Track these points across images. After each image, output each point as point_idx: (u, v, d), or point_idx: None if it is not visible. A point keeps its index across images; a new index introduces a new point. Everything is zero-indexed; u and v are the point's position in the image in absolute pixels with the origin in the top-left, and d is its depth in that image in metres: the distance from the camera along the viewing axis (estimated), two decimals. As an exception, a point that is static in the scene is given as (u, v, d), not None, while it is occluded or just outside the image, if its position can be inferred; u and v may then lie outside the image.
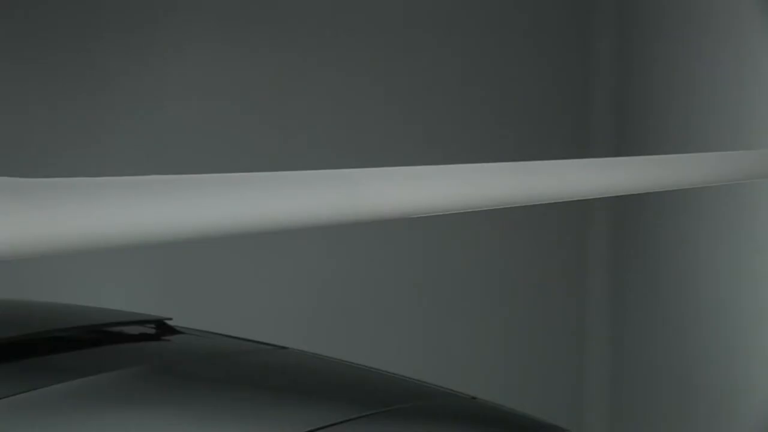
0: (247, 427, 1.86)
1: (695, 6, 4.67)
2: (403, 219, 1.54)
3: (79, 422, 1.78)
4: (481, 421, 2.17)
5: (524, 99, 5.05)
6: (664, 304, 4.76)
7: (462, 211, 1.58)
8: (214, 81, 4.54)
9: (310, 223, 1.36)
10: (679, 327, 4.69)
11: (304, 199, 1.34)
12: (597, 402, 5.04)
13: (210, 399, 2.00)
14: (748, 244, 4.41)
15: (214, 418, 1.89)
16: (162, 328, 2.41)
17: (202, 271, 4.52)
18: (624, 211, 4.99)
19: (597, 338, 5.07)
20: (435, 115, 4.88)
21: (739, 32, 4.45)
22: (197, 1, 4.52)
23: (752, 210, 4.41)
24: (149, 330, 2.40)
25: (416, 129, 4.85)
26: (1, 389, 1.81)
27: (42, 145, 4.31)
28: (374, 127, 4.78)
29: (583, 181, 1.80)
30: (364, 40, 4.74)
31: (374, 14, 4.76)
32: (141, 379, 2.01)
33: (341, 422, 1.87)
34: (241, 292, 4.58)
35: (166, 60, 4.46)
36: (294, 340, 2.85)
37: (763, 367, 4.40)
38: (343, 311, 4.72)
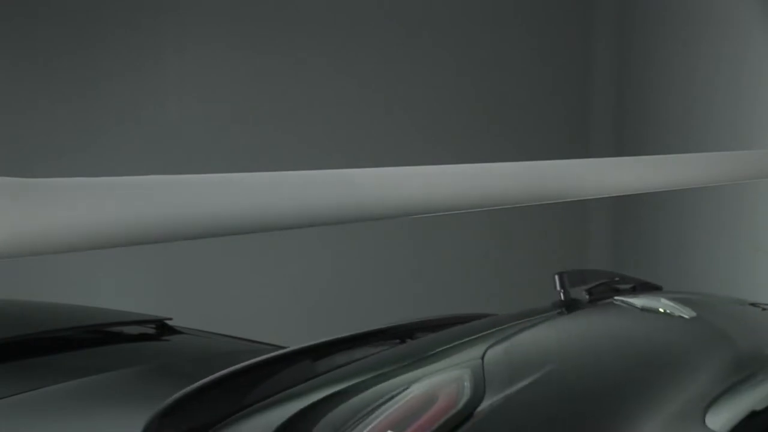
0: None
1: (695, 6, 4.67)
2: (403, 219, 1.53)
3: (80, 422, 1.77)
4: None
5: (524, 99, 5.05)
6: (664, 304, 4.76)
7: (462, 212, 1.58)
8: (214, 81, 4.54)
9: (309, 223, 1.35)
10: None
11: (304, 199, 1.34)
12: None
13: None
14: (748, 244, 4.41)
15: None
16: (162, 328, 2.41)
17: (202, 271, 4.52)
18: (624, 211, 4.98)
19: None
20: (435, 115, 4.88)
21: (739, 32, 4.45)
22: (198, 1, 4.52)
23: (752, 210, 4.41)
24: (149, 330, 2.39)
25: (416, 129, 4.85)
26: (1, 389, 1.80)
27: (42, 145, 4.31)
28: (374, 127, 4.78)
29: (584, 181, 1.80)
30: (364, 41, 4.74)
31: (374, 15, 4.76)
32: (141, 379, 2.00)
33: None
34: (241, 292, 4.58)
35: (166, 60, 4.47)
36: (294, 340, 2.84)
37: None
38: (343, 311, 4.71)
